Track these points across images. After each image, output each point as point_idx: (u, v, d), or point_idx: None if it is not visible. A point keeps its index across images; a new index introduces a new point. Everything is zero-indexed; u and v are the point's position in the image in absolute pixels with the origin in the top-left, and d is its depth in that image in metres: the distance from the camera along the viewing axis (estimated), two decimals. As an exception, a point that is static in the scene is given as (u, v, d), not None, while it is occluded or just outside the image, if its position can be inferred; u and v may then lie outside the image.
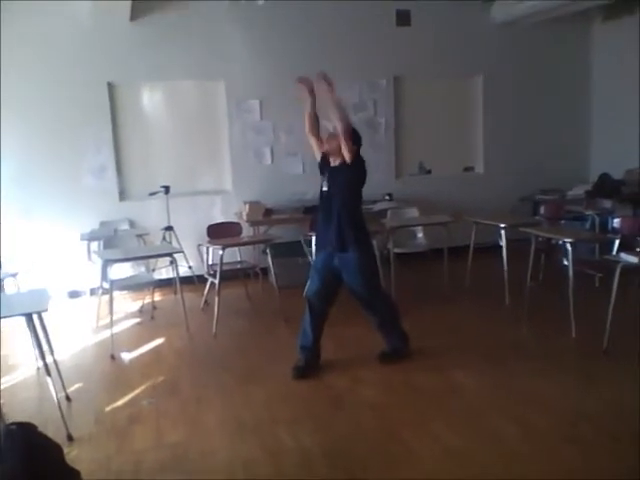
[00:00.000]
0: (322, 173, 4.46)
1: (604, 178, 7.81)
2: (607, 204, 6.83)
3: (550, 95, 8.40)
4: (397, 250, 6.20)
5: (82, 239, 6.31)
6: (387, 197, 7.48)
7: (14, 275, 5.58)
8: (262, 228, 6.89)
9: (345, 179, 4.30)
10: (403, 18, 7.69)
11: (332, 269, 4.40)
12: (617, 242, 5.25)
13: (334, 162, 4.39)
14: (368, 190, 6.83)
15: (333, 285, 4.47)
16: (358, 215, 4.43)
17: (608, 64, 8.29)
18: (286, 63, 7.26)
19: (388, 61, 7.69)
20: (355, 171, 4.30)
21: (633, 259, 4.31)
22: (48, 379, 3.69)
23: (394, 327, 4.61)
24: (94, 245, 6.22)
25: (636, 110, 7.78)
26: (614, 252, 5.04)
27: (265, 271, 6.44)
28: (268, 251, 5.86)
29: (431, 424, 3.62)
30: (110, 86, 6.87)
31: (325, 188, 4.38)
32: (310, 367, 4.44)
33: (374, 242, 5.84)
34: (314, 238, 4.88)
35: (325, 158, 4.45)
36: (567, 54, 8.43)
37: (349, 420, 3.75)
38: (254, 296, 6.41)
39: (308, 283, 4.61)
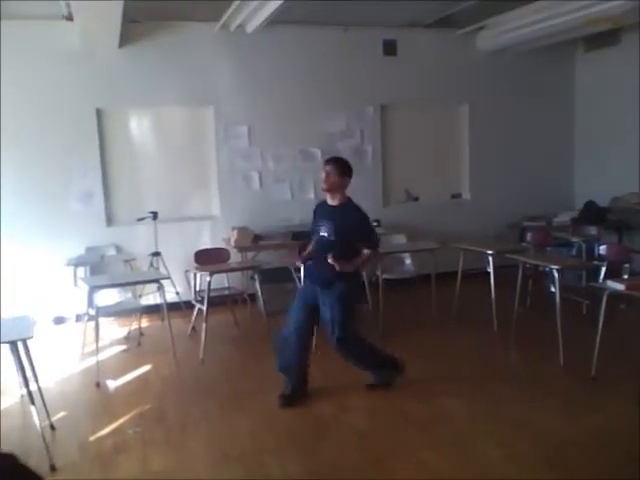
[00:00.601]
0: (317, 212, 4.44)
1: (590, 205, 7.90)
2: (593, 231, 6.89)
3: (535, 123, 8.51)
4: (385, 276, 6.20)
5: (68, 264, 6.26)
6: (375, 223, 7.48)
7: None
8: (250, 254, 6.88)
9: (342, 227, 4.19)
10: (390, 48, 7.81)
11: (314, 302, 4.35)
12: (603, 269, 5.28)
13: (332, 201, 4.34)
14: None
15: (315, 316, 4.40)
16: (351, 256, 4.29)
17: (591, 93, 8.43)
18: (274, 90, 7.35)
19: (375, 90, 7.77)
20: (353, 220, 4.22)
21: (619, 286, 4.33)
22: (32, 407, 3.64)
23: (376, 362, 4.53)
24: (80, 271, 6.18)
25: (619, 138, 7.91)
26: (601, 279, 5.07)
27: (253, 297, 6.42)
28: (256, 277, 5.84)
29: (418, 451, 3.60)
30: (98, 112, 6.88)
31: (324, 234, 4.28)
32: (297, 395, 4.39)
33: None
34: (302, 267, 4.81)
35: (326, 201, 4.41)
36: (551, 83, 8.57)
37: (335, 448, 3.72)
38: (242, 322, 6.37)
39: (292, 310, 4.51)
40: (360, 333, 4.47)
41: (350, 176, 4.33)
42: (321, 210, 4.44)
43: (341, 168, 4.27)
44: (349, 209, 4.29)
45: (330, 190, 4.29)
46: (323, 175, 4.28)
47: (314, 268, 4.43)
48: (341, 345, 4.33)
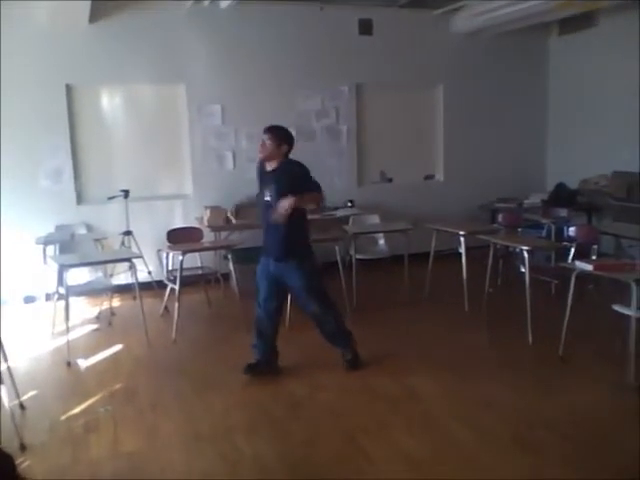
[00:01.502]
0: (261, 181, 4.43)
1: (560, 187, 8.00)
2: (563, 213, 6.98)
3: (508, 105, 8.56)
4: (359, 256, 6.22)
5: (37, 243, 6.15)
6: (349, 204, 7.51)
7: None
8: (223, 233, 6.85)
9: (284, 185, 4.19)
10: (365, 27, 7.75)
11: (273, 275, 4.39)
12: (573, 250, 5.37)
13: (270, 166, 4.33)
14: (330, 197, 6.87)
15: (280, 289, 4.48)
16: (301, 223, 4.37)
17: (564, 76, 8.49)
18: (248, 69, 7.27)
19: (350, 69, 7.73)
20: (292, 175, 4.25)
21: (588, 267, 4.41)
22: (1, 387, 3.61)
23: (343, 332, 4.59)
24: (50, 249, 6.09)
25: (590, 121, 8.00)
26: (570, 260, 5.16)
27: (226, 277, 6.39)
28: (229, 257, 5.82)
29: (389, 430, 3.64)
30: (68, 88, 6.74)
31: (267, 198, 4.28)
32: (262, 365, 4.47)
33: (336, 248, 5.90)
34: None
35: (262, 164, 4.40)
36: (525, 66, 8.61)
37: (308, 427, 3.74)
38: (215, 302, 6.36)
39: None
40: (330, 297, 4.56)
41: (289, 144, 4.31)
42: (262, 176, 4.41)
43: (278, 137, 4.26)
44: (287, 166, 4.29)
45: (267, 159, 4.31)
46: (259, 146, 4.29)
47: (265, 239, 4.42)
48: (317, 312, 4.42)
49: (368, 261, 6.54)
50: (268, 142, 4.24)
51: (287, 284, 4.42)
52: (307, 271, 4.37)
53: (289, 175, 4.24)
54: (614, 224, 6.99)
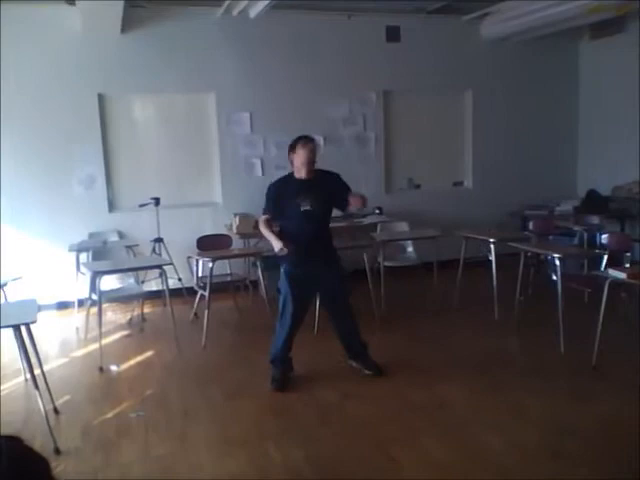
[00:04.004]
0: (290, 192, 4.36)
1: (592, 194, 7.89)
2: (595, 220, 6.89)
3: (538, 111, 8.49)
4: (387, 263, 6.21)
5: (71, 250, 6.27)
6: (377, 211, 7.46)
7: (2, 285, 5.52)
8: (252, 240, 6.88)
9: (326, 194, 4.35)
10: (393, 34, 7.76)
11: (309, 284, 4.46)
12: (605, 258, 5.29)
13: (305, 175, 4.34)
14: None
15: (310, 298, 4.66)
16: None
17: (595, 81, 8.39)
18: (277, 77, 7.33)
19: (378, 76, 7.74)
20: (330, 183, 4.42)
21: (621, 275, 4.34)
22: (36, 391, 3.66)
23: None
24: (83, 256, 6.19)
25: (622, 127, 7.88)
26: (602, 268, 5.08)
27: (255, 284, 6.43)
28: (258, 264, 5.85)
29: (419, 438, 3.61)
30: (100, 97, 6.86)
31: (307, 207, 4.29)
32: (288, 377, 4.48)
33: (364, 255, 5.89)
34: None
35: (292, 178, 4.43)
36: (555, 71, 8.53)
37: (338, 434, 3.73)
38: (244, 309, 6.39)
39: (285, 298, 4.50)
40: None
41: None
42: (292, 187, 4.37)
43: (315, 146, 4.39)
44: (322, 175, 4.41)
45: (313, 166, 4.34)
46: (308, 155, 4.26)
47: (309, 246, 4.36)
48: (349, 307, 4.56)
49: (396, 268, 6.51)
50: (314, 150, 4.34)
51: (325, 286, 4.49)
52: (340, 270, 4.56)
53: (327, 183, 4.37)
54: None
